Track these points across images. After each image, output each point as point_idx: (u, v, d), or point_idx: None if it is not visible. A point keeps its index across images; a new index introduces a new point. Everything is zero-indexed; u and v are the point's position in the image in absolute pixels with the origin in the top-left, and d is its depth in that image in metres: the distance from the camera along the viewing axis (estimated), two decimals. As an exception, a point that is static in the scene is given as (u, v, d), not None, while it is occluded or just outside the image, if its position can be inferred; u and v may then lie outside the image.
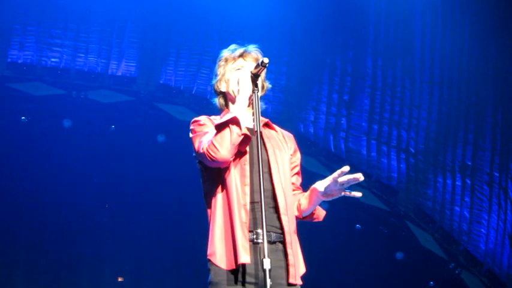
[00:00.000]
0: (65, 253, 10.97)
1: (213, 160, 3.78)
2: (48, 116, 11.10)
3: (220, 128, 3.78)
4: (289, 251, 3.84)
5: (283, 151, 4.11)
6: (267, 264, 3.52)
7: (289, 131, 4.35)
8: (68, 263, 10.99)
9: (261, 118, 4.11)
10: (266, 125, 4.17)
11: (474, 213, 11.59)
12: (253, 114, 3.88)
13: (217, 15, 11.15)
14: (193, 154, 4.01)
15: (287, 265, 3.84)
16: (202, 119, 4.06)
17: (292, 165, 4.21)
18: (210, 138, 3.82)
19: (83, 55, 11.18)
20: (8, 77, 11.02)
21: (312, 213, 4.15)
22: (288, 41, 11.49)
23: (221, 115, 4.08)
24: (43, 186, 10.86)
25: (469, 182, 11.55)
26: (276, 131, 4.22)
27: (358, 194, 3.95)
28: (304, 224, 4.27)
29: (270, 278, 3.50)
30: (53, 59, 11.10)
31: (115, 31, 11.23)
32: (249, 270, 3.76)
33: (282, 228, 3.88)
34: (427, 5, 11.42)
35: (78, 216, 10.94)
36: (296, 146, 4.29)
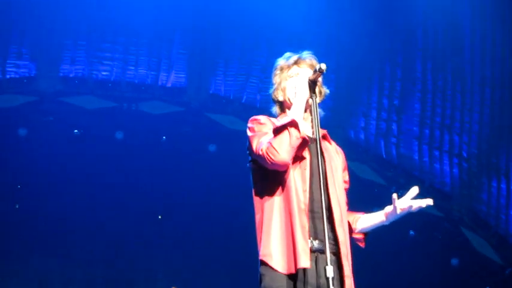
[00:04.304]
0: (119, 264, 11.09)
1: (273, 163, 3.73)
2: (100, 129, 11.24)
3: (278, 131, 3.75)
4: (344, 262, 3.79)
5: (338, 165, 4.09)
6: (329, 272, 3.46)
7: (338, 142, 4.31)
8: (122, 274, 11.10)
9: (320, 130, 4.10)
10: (323, 137, 4.10)
11: (530, 217, 11.40)
12: (312, 121, 3.85)
13: (264, 24, 11.16)
14: (247, 151, 3.98)
15: (342, 276, 3.77)
16: (263, 118, 4.02)
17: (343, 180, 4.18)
18: (268, 140, 3.78)
19: (133, 67, 11.30)
20: (61, 91, 11.21)
21: (364, 235, 4.23)
22: (335, 47, 11.44)
23: (278, 119, 4.06)
24: (97, 198, 11.00)
25: (524, 185, 11.37)
26: (331, 144, 4.18)
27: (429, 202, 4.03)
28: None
29: (333, 285, 3.44)
30: (103, 73, 11.25)
31: (164, 43, 11.33)
32: (307, 278, 3.70)
33: (336, 239, 3.83)
34: (476, 6, 11.28)
35: (131, 227, 11.04)
36: (346, 163, 4.26)
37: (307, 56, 4.15)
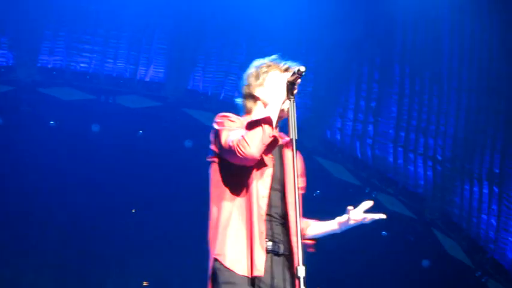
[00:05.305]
0: (91, 257, 11.05)
1: (242, 156, 3.75)
2: (76, 121, 11.19)
3: (252, 125, 3.79)
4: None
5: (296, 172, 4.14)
6: (301, 272, 3.50)
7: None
8: (94, 268, 11.07)
9: (284, 137, 4.14)
10: (287, 143, 4.15)
11: (501, 221, 11.47)
12: (288, 122, 3.88)
13: (245, 22, 11.16)
14: (211, 146, 4.01)
15: (293, 278, 3.85)
16: (232, 115, 4.05)
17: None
18: (240, 134, 3.81)
19: (112, 60, 11.26)
20: (38, 81, 11.14)
21: (314, 241, 4.30)
22: (315, 48, 11.47)
23: (243, 116, 4.12)
24: (71, 190, 10.97)
25: (496, 189, 11.44)
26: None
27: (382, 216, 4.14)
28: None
29: (304, 285, 3.48)
30: (82, 64, 11.19)
31: (144, 37, 11.30)
32: (263, 278, 3.78)
33: (290, 247, 3.90)
34: (456, 11, 11.34)
35: (104, 221, 11.02)
36: (303, 169, 4.30)
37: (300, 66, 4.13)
